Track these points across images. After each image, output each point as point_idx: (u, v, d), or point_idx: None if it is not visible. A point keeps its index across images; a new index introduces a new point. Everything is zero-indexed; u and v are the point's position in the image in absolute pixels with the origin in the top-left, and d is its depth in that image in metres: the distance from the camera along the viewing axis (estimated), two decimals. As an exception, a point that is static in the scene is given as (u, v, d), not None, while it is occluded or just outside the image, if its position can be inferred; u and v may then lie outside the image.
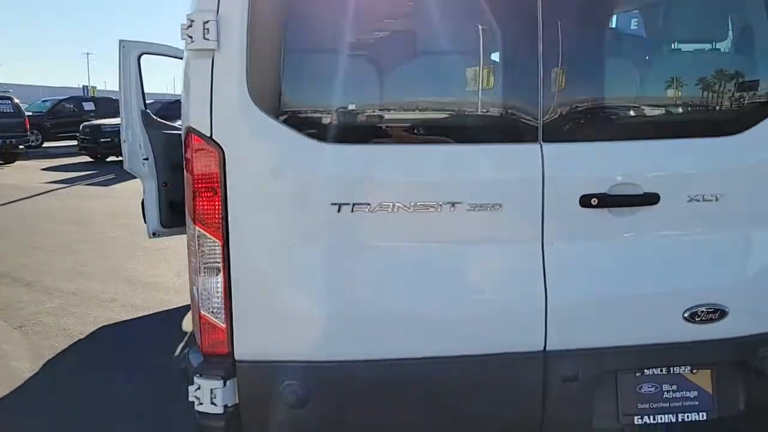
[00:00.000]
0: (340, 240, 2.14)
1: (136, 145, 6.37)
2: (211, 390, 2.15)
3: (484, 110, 2.23)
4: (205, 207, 2.13)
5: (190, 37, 2.05)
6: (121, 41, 6.16)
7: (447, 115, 2.27)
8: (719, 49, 2.44)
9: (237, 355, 2.17)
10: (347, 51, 2.21)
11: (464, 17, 2.25)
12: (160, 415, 3.65)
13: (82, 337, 5.07)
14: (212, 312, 2.18)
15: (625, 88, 2.33)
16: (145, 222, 6.60)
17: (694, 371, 2.33)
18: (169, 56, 6.69)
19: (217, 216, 2.12)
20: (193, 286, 2.24)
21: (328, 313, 2.16)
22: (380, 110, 2.27)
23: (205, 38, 2.04)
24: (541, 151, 2.15)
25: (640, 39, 2.50)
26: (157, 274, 6.95)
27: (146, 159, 6.39)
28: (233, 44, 2.06)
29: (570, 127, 2.19)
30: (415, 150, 2.19)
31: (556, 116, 2.17)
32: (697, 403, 2.32)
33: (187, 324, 5.11)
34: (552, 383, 2.21)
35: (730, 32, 2.40)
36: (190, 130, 2.13)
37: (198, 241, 2.16)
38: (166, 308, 5.80)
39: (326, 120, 2.20)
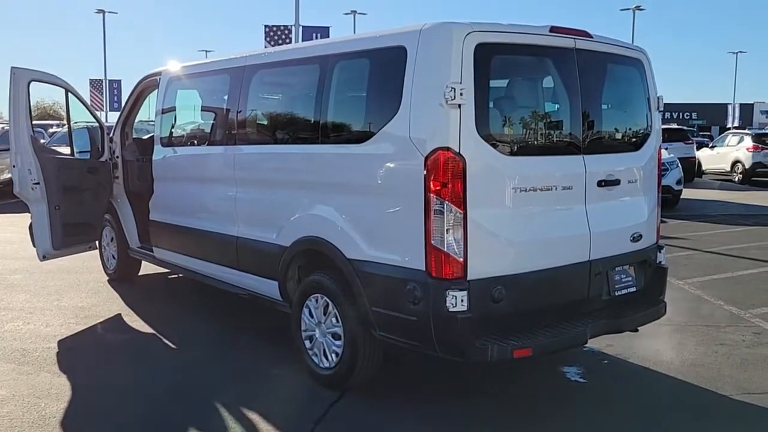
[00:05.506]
0: (516, 207, 4.01)
1: (25, 171, 6.53)
2: (461, 298, 3.77)
3: (565, 139, 4.34)
4: (455, 191, 3.75)
5: (452, 96, 3.69)
6: (12, 68, 6.36)
7: (553, 141, 4.30)
8: (628, 110, 4.96)
9: (469, 277, 3.82)
10: (512, 110, 4.19)
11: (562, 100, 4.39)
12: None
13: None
14: (455, 252, 3.79)
15: (605, 129, 4.66)
16: (34, 246, 6.76)
17: (629, 267, 4.73)
18: (55, 85, 6.99)
19: (461, 196, 3.77)
20: (432, 240, 3.80)
21: (516, 246, 4.02)
22: (530, 139, 4.20)
23: (460, 97, 3.70)
24: (584, 159, 4.32)
25: (609, 108, 4.89)
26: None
27: (37, 183, 6.60)
28: (469, 101, 3.77)
29: (591, 146, 4.41)
30: (542, 159, 4.19)
31: (587, 141, 4.37)
32: (631, 283, 4.72)
33: None
34: (592, 277, 4.37)
35: (632, 102, 4.94)
36: (442, 148, 3.74)
37: (445, 212, 3.76)
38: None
39: (507, 144, 4.05)
